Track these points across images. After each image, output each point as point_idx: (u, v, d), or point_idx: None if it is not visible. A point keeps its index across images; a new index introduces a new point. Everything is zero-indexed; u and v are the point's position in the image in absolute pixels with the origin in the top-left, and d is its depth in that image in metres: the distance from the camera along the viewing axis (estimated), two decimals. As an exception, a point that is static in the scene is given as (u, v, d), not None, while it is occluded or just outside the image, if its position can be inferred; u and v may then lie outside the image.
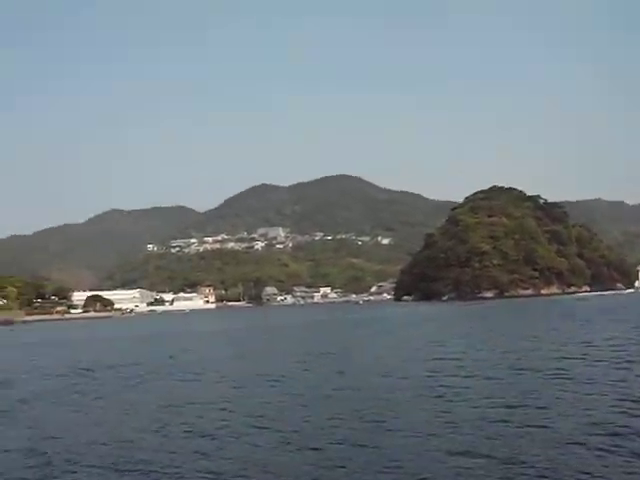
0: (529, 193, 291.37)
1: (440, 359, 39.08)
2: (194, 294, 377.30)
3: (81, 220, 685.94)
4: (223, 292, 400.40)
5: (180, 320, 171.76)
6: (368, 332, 75.08)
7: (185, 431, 21.91)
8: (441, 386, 28.22)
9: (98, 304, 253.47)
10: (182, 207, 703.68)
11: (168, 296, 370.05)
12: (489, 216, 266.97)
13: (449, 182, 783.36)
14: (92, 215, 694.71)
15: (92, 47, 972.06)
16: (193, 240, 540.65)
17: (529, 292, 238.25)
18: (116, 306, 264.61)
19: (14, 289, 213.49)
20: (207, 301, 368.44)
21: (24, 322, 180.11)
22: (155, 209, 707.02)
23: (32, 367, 48.63)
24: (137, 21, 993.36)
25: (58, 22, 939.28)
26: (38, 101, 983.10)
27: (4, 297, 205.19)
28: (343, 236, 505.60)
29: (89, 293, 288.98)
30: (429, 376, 31.59)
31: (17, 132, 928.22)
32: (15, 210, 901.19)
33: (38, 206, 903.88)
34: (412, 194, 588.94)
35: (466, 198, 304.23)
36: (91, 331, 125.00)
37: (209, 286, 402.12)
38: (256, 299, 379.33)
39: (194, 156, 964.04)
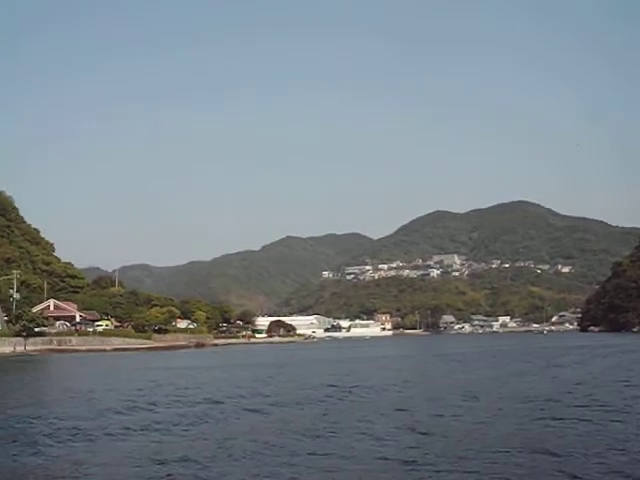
0: None
1: None
2: (370, 321, 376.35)
3: (257, 247, 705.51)
4: (399, 319, 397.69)
5: (369, 346, 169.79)
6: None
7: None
8: None
9: (281, 329, 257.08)
10: (357, 234, 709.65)
11: (345, 323, 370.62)
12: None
13: (634, 207, 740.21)
14: (268, 242, 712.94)
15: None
16: (368, 267, 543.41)
17: None
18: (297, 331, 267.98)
19: (203, 313, 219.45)
20: (383, 328, 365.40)
21: (214, 345, 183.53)
22: (330, 236, 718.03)
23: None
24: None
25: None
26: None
27: (194, 321, 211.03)
28: (521, 264, 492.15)
29: (271, 318, 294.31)
30: None
31: (189, 162, 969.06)
32: (195, 238, 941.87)
33: (216, 234, 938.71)
34: (594, 220, 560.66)
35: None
36: (302, 353, 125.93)
37: (385, 313, 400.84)
38: (433, 327, 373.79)
39: (368, 183, 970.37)
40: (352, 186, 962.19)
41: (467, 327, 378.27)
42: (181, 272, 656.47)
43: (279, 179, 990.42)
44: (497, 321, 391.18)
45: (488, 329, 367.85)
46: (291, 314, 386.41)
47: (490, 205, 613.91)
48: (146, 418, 30.50)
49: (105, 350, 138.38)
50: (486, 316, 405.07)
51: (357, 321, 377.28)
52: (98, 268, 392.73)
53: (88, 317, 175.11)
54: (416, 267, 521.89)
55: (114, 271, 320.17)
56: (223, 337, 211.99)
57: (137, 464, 20.39)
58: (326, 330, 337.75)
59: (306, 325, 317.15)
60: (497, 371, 59.33)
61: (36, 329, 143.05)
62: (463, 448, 21.85)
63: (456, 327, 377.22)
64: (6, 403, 38.57)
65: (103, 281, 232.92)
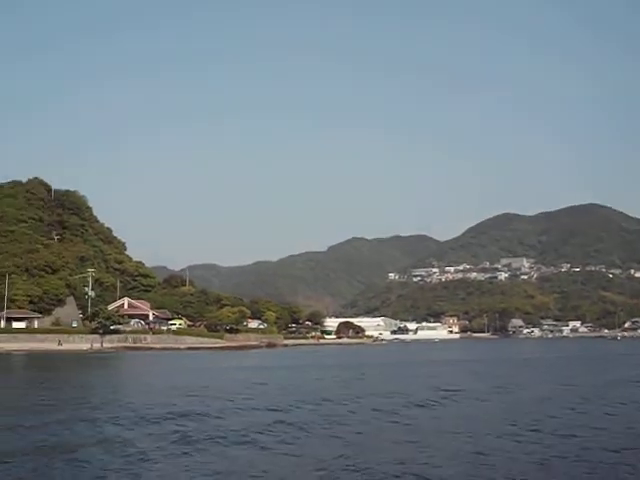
0: None
1: None
2: (438, 324, 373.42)
3: (323, 248, 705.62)
4: (467, 323, 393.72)
5: (441, 349, 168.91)
6: None
7: None
8: None
9: (350, 330, 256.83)
10: (423, 236, 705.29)
11: (412, 325, 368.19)
12: None
13: None
14: (334, 243, 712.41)
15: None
16: (434, 269, 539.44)
17: None
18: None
19: (273, 313, 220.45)
20: (451, 331, 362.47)
21: (284, 345, 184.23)
22: (396, 237, 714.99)
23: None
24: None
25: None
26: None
27: (264, 321, 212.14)
28: (592, 268, 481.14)
29: (340, 319, 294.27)
30: None
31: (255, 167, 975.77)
32: (261, 238, 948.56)
33: (282, 234, 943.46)
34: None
35: None
36: (377, 355, 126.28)
37: (453, 316, 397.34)
38: (501, 331, 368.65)
39: (435, 185, 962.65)
40: (417, 187, 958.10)
41: (536, 331, 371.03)
42: (247, 272, 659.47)
43: (344, 180, 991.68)
44: (567, 326, 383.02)
45: (558, 334, 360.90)
46: (357, 316, 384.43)
47: (560, 208, 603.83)
48: (282, 418, 31.47)
49: (179, 349, 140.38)
50: (555, 320, 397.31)
51: (424, 324, 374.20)
52: (165, 267, 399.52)
53: (160, 316, 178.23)
54: (484, 270, 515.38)
55: (182, 270, 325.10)
56: (292, 337, 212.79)
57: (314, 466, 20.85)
58: (393, 332, 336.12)
59: (373, 327, 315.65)
60: (592, 377, 58.47)
61: (112, 327, 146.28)
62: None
63: (525, 331, 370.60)
64: (126, 400, 40.02)
65: (174, 280, 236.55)
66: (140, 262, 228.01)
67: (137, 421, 30.08)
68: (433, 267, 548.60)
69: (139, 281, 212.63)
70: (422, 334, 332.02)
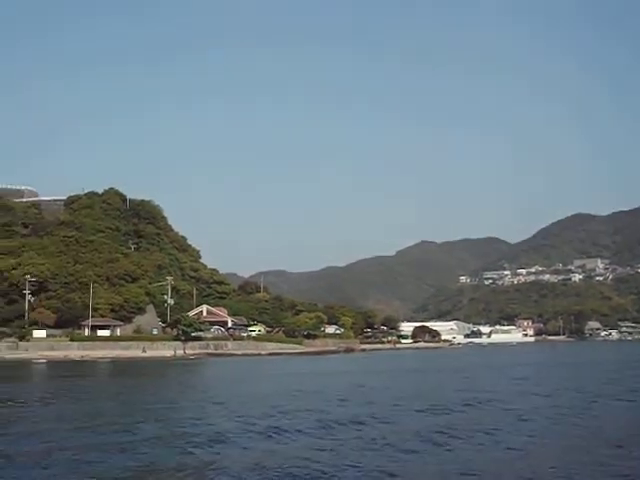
0: None
1: None
2: (512, 327, 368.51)
3: (392, 252, 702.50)
4: (541, 325, 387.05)
5: (521, 352, 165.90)
6: None
7: None
8: None
9: (427, 335, 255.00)
10: (493, 238, 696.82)
11: (485, 328, 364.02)
12: None
13: None
14: (402, 247, 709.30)
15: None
16: (506, 272, 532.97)
17: None
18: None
19: (349, 319, 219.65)
20: (525, 334, 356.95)
21: (362, 350, 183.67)
22: (465, 240, 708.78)
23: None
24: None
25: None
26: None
27: (341, 326, 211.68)
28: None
29: (415, 324, 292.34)
30: None
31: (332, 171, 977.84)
32: (329, 244, 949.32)
33: (350, 239, 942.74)
34: None
35: None
36: (462, 359, 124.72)
37: (526, 319, 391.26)
38: (577, 333, 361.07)
39: (505, 185, 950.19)
40: (485, 189, 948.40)
41: (614, 334, 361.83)
42: (316, 278, 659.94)
43: (411, 184, 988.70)
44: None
45: (637, 336, 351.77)
46: (428, 319, 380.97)
47: (634, 207, 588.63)
48: (442, 421, 31.43)
49: (260, 354, 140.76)
50: (634, 322, 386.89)
51: (498, 327, 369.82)
52: (235, 274, 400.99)
53: (238, 322, 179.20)
54: (556, 272, 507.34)
55: (252, 276, 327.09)
56: (369, 342, 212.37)
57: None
58: (466, 336, 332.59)
59: (445, 331, 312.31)
60: None
61: (193, 334, 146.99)
62: None
63: (602, 334, 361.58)
64: (270, 404, 40.24)
65: (248, 287, 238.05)
66: (215, 269, 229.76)
67: (317, 426, 30.15)
68: (505, 269, 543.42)
69: (214, 288, 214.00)
70: (496, 337, 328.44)
